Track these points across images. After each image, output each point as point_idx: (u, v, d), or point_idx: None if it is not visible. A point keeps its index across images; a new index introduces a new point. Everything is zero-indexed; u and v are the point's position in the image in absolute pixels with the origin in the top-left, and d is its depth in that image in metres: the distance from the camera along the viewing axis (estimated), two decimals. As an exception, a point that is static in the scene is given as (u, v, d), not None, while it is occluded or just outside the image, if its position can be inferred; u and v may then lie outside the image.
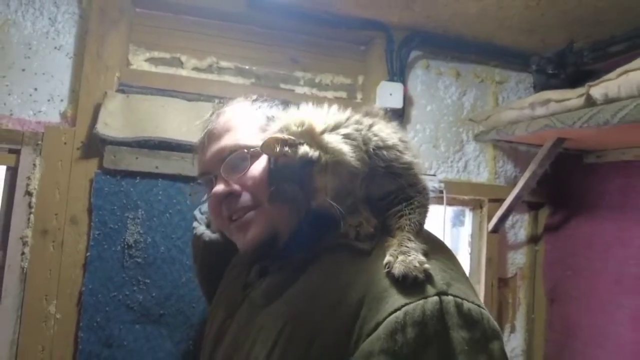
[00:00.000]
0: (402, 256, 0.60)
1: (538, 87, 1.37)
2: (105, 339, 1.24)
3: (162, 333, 1.28)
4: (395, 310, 0.56)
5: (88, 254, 1.27)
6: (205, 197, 0.90)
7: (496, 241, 1.70)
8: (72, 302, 1.26)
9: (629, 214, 1.49)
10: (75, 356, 1.24)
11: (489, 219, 1.67)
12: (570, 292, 1.68)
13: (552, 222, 1.76)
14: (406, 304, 0.56)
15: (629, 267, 1.47)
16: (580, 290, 1.64)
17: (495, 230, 1.65)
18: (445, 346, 0.55)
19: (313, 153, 0.64)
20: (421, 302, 0.56)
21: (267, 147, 0.66)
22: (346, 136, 0.66)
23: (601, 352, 1.53)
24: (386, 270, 0.61)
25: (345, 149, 0.65)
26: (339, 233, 0.68)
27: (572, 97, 1.12)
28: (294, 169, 0.65)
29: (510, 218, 1.71)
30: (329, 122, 0.68)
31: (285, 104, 0.86)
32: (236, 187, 0.76)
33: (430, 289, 0.58)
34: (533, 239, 1.79)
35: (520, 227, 1.78)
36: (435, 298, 0.57)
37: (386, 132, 0.70)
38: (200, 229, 1.00)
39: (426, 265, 0.60)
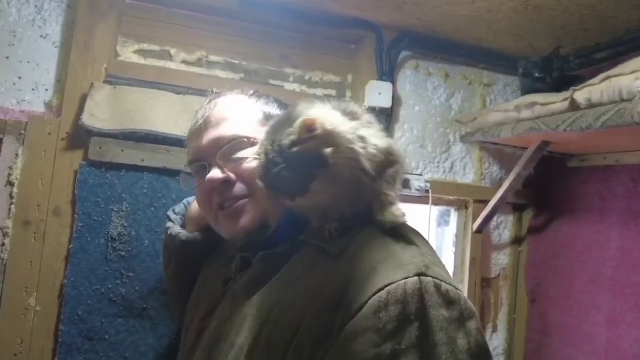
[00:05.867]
0: (387, 205, 0.68)
1: (524, 91, 1.39)
2: (86, 332, 1.23)
3: (145, 327, 1.27)
4: (379, 291, 0.58)
5: (71, 246, 1.25)
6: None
7: (480, 241, 1.72)
8: (53, 295, 1.25)
9: (607, 217, 1.53)
10: (56, 349, 1.23)
11: (474, 219, 1.69)
12: (549, 292, 1.71)
13: (536, 224, 1.79)
14: (388, 284, 0.59)
15: (606, 269, 1.50)
16: (559, 291, 1.67)
17: (480, 230, 1.67)
18: (426, 323, 0.57)
19: (331, 160, 0.63)
20: (402, 282, 0.59)
21: (306, 126, 0.63)
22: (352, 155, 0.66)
23: (577, 351, 1.56)
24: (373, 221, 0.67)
25: (347, 172, 0.65)
26: (312, 231, 0.71)
27: (557, 101, 1.14)
28: (308, 160, 0.63)
29: (495, 219, 1.73)
30: (349, 131, 0.66)
31: (280, 102, 0.88)
32: (232, 175, 0.77)
33: (410, 271, 0.60)
34: (517, 240, 1.82)
35: (504, 228, 1.81)
36: (416, 278, 0.59)
37: (378, 136, 0.70)
38: (176, 229, 0.98)
39: (403, 212, 0.69)
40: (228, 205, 0.78)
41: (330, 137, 0.64)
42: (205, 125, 0.80)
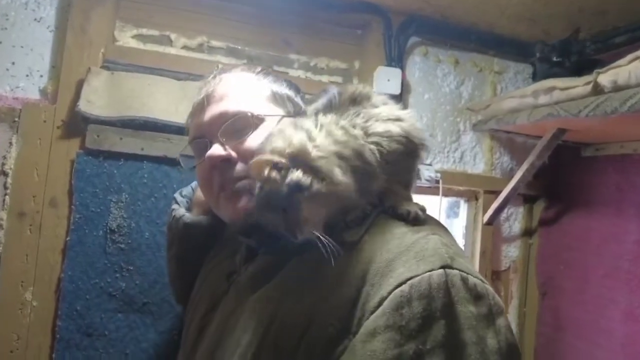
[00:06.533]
0: (403, 200, 0.66)
1: (539, 76, 1.33)
2: (85, 328, 1.19)
3: (146, 322, 1.22)
4: (400, 284, 0.53)
5: (68, 238, 1.20)
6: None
7: (491, 233, 1.67)
8: (50, 289, 1.20)
9: (625, 209, 1.47)
10: (53, 345, 1.18)
11: (484, 210, 1.64)
12: (562, 286, 1.66)
13: (547, 216, 1.74)
14: (411, 277, 0.54)
15: (623, 263, 1.46)
16: (572, 285, 1.62)
17: (491, 222, 1.62)
18: (453, 320, 0.52)
19: (305, 180, 0.58)
20: (426, 275, 0.54)
21: (256, 169, 0.60)
22: (340, 156, 0.60)
23: (592, 346, 1.51)
24: (390, 212, 0.64)
25: (339, 173, 0.59)
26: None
27: (578, 84, 1.08)
28: (280, 196, 0.59)
29: (505, 210, 1.68)
30: (322, 141, 0.61)
31: (289, 82, 0.83)
32: (234, 153, 0.72)
33: (434, 263, 0.55)
34: (527, 232, 1.77)
35: (514, 220, 1.76)
36: (441, 271, 0.54)
37: (383, 126, 0.65)
38: (180, 210, 0.94)
39: (422, 206, 0.66)
40: (229, 187, 0.72)
41: (296, 160, 0.60)
42: (208, 100, 0.75)
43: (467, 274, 0.56)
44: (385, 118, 0.66)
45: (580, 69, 1.18)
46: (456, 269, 0.55)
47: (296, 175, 0.58)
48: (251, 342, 0.61)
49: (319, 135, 0.61)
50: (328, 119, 0.64)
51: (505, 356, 0.54)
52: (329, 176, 0.58)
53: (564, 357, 1.60)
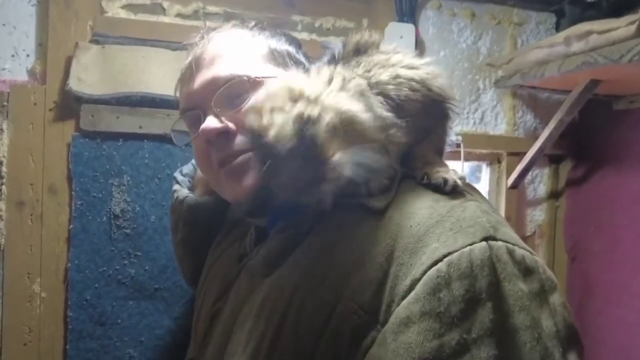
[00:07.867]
0: (437, 167, 0.56)
1: (568, 22, 1.20)
2: (97, 317, 1.14)
3: (159, 308, 1.17)
4: (436, 262, 0.46)
5: (71, 226, 1.14)
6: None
7: (515, 198, 1.58)
8: (58, 279, 1.15)
9: (662, 164, 1.37)
10: (66, 336, 1.14)
11: (508, 173, 1.54)
12: (591, 249, 1.58)
13: (575, 176, 1.64)
14: (449, 254, 0.46)
15: (659, 221, 1.37)
16: (603, 247, 1.54)
17: (515, 185, 1.52)
18: (502, 302, 0.45)
19: (312, 110, 0.49)
20: (467, 249, 0.46)
21: (251, 116, 0.52)
22: (355, 91, 0.52)
23: (624, 310, 1.44)
24: (424, 182, 0.55)
25: (356, 106, 0.51)
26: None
27: (620, 26, 0.95)
28: (290, 138, 0.49)
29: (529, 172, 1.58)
30: (321, 86, 0.53)
31: (289, 36, 0.74)
32: (231, 125, 0.63)
33: (475, 234, 0.47)
34: (554, 195, 1.67)
35: (539, 182, 1.66)
36: (483, 244, 0.46)
37: (390, 71, 0.56)
38: (183, 192, 0.86)
39: (462, 174, 0.56)
40: (229, 162, 0.64)
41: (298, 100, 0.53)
42: (196, 65, 0.67)
43: (514, 245, 0.48)
44: (393, 64, 0.56)
45: (619, 10, 1.05)
46: (500, 239, 0.47)
47: (299, 106, 0.50)
48: (265, 333, 0.55)
49: (319, 79, 0.54)
50: (320, 73, 0.55)
51: (564, 340, 0.46)
52: (334, 107, 0.50)
53: (596, 323, 1.53)
